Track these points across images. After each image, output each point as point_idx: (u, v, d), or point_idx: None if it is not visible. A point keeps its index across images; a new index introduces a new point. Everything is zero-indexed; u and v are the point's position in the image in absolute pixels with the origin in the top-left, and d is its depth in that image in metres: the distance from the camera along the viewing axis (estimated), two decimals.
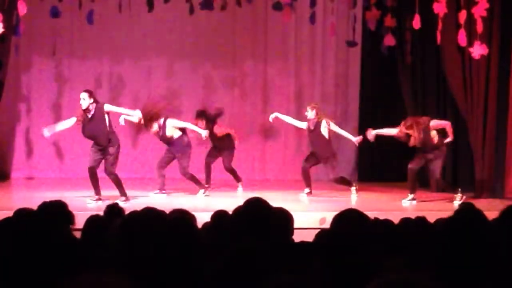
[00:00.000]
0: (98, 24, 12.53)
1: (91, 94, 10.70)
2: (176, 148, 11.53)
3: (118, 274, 2.35)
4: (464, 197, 11.20)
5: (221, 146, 12.25)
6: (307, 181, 12.06)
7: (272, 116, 12.29)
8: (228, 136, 12.25)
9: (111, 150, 10.70)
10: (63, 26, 13.24)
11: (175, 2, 12.32)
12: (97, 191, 10.74)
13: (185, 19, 12.96)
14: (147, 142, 13.55)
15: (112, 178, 10.80)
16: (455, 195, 11.30)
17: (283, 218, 4.57)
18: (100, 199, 10.63)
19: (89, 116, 10.65)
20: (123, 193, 10.78)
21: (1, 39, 11.68)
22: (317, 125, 11.72)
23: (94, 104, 10.64)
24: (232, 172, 12.50)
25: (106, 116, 10.69)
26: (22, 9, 10.91)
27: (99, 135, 10.69)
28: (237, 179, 12.53)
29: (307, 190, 11.97)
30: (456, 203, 11.02)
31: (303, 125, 12.09)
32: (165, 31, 14.26)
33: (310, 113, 11.78)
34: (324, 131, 11.70)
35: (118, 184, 10.81)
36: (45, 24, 12.84)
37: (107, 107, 10.76)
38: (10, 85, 13.19)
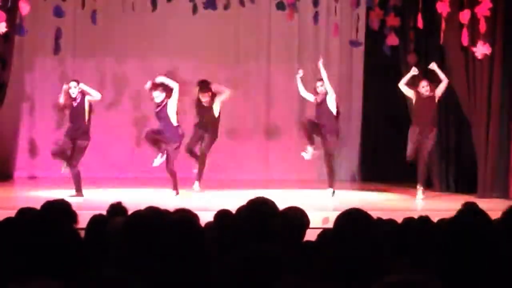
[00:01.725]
0: (101, 24, 12.53)
1: (78, 83, 11.10)
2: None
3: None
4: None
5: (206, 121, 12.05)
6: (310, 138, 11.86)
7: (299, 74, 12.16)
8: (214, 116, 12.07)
9: (82, 143, 11.00)
10: (66, 26, 13.23)
11: (178, 1, 12.32)
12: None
13: (189, 19, 12.95)
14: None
15: (74, 172, 11.02)
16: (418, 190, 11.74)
17: (295, 219, 4.54)
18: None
19: (74, 104, 11.05)
20: (78, 189, 10.95)
21: (5, 39, 11.70)
22: (324, 99, 11.60)
23: (80, 95, 11.05)
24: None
25: (86, 108, 11.05)
26: (24, 8, 10.91)
27: (77, 124, 11.03)
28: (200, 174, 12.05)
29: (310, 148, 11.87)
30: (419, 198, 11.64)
31: (310, 97, 12.00)
32: (168, 31, 14.27)
33: (321, 88, 11.67)
34: (332, 105, 11.59)
35: (77, 179, 11.01)
36: (48, 24, 12.84)
37: (88, 98, 11.14)
38: (13, 84, 13.19)
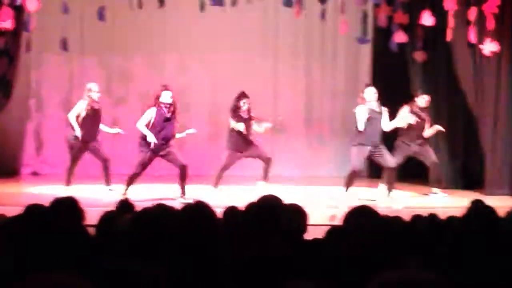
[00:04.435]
0: (109, 20, 12.53)
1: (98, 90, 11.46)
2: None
3: (80, 275, 2.32)
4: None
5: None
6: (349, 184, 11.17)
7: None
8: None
9: (96, 144, 11.46)
10: (74, 23, 13.25)
11: None
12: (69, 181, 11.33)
13: (196, 16, 12.94)
14: None
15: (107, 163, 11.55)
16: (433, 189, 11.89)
17: (296, 215, 4.57)
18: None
19: (96, 107, 11.36)
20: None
21: (12, 35, 11.72)
22: (381, 107, 11.03)
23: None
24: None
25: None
26: (30, 5, 10.91)
27: (95, 129, 11.41)
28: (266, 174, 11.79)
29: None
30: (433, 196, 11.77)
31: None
32: (176, 28, 14.27)
33: (375, 97, 10.98)
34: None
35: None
36: (56, 21, 12.84)
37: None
38: (20, 81, 13.22)
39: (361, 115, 10.93)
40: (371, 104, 10.94)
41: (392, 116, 11.39)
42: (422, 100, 11.69)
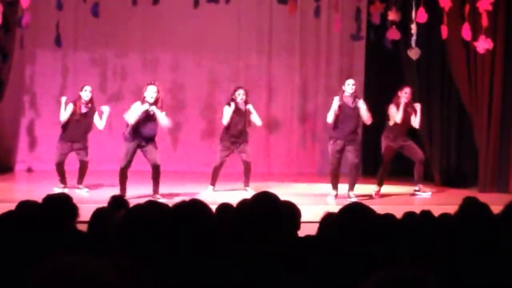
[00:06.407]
0: (102, 17, 12.50)
1: (92, 90, 11.30)
2: None
3: (98, 257, 2.18)
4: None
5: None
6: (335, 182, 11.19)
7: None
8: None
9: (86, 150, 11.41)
10: (68, 19, 13.22)
11: None
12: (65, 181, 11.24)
13: (190, 12, 12.93)
14: None
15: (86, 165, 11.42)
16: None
17: (290, 212, 4.57)
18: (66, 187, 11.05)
19: (85, 110, 11.19)
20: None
21: (6, 31, 11.68)
22: (356, 103, 11.06)
23: (90, 103, 11.26)
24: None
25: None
26: (24, 0, 10.89)
27: (85, 133, 11.31)
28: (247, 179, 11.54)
29: (334, 192, 11.18)
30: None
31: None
32: (170, 24, 14.25)
33: (352, 88, 11.01)
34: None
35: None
36: (49, 16, 12.81)
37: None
38: (14, 77, 13.19)
39: (332, 106, 10.96)
40: (346, 97, 11.00)
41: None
42: (405, 94, 11.56)
